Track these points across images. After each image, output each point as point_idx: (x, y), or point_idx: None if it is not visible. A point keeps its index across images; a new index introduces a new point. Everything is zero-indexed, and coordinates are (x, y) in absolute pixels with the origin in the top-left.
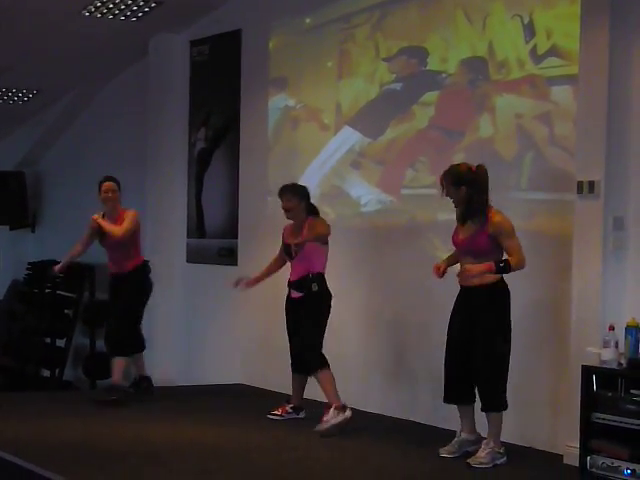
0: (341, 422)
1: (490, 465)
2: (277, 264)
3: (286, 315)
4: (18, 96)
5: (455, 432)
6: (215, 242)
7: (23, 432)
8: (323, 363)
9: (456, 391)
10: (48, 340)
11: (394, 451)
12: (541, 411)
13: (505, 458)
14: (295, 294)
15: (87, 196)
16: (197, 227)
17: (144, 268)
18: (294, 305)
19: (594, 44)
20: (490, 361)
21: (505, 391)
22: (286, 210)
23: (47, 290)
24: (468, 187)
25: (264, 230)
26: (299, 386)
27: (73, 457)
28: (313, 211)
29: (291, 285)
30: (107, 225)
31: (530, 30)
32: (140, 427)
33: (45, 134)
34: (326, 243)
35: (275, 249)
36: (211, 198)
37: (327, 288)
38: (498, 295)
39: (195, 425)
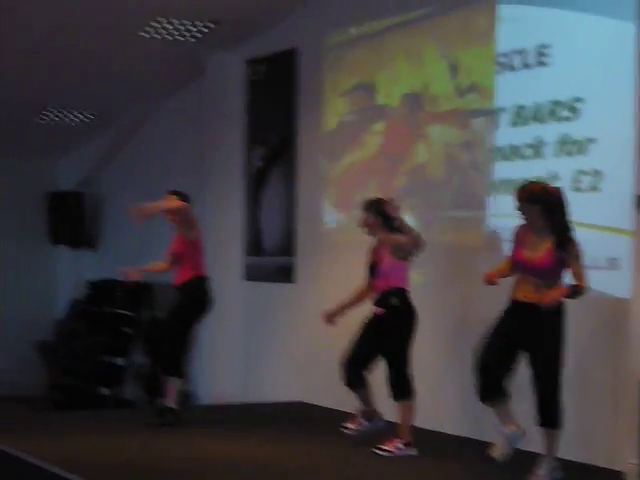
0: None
1: None
2: (362, 294)
3: (363, 326)
4: (76, 116)
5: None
6: (273, 260)
7: (84, 450)
8: (413, 394)
9: (497, 390)
10: (108, 359)
11: (464, 471)
12: (602, 427)
13: (562, 472)
14: (378, 310)
15: None
16: (254, 245)
17: (193, 284)
18: (376, 322)
19: None
20: (551, 380)
21: (562, 408)
22: (362, 227)
23: (107, 309)
24: (542, 207)
25: (322, 247)
26: (365, 396)
27: (131, 475)
28: (399, 230)
29: (375, 302)
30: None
31: (455, 69)
32: (198, 446)
33: (104, 154)
34: (406, 259)
35: (333, 266)
36: (268, 216)
37: (410, 304)
38: (559, 314)
39: (253, 443)
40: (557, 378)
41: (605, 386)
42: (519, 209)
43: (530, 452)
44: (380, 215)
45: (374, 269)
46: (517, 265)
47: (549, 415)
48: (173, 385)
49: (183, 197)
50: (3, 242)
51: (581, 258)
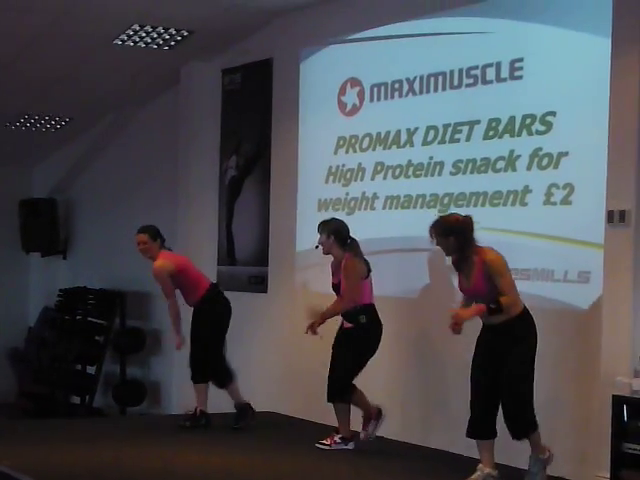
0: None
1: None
2: None
3: (333, 346)
4: (51, 124)
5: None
6: (246, 269)
7: (54, 459)
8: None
9: (481, 427)
10: (79, 367)
11: None
12: (571, 441)
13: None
14: (346, 324)
15: (118, 223)
16: (228, 254)
17: (205, 300)
18: (344, 335)
19: (625, 75)
20: (518, 393)
21: (534, 414)
22: (316, 246)
23: (78, 317)
24: (456, 237)
25: (294, 258)
26: (343, 416)
27: None
28: (351, 245)
29: (343, 315)
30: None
31: None
32: (169, 455)
33: (77, 162)
34: (365, 278)
35: (305, 276)
36: (242, 226)
37: (377, 318)
38: (524, 328)
39: (224, 454)
40: (524, 389)
41: (576, 398)
42: (437, 244)
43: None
44: (333, 234)
45: (337, 288)
46: (464, 295)
47: (519, 428)
48: (202, 390)
49: (154, 232)
50: None
51: (503, 274)
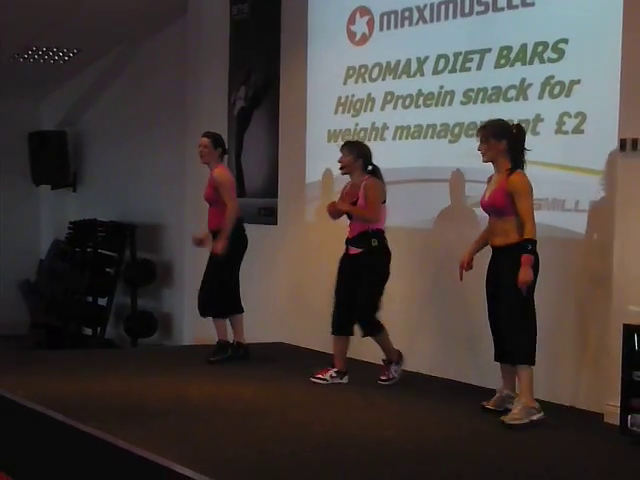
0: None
1: (525, 420)
2: None
3: (338, 274)
4: (59, 55)
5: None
6: (255, 201)
7: (66, 389)
8: (379, 329)
9: (497, 350)
10: (90, 299)
11: (434, 410)
12: (581, 370)
13: (542, 413)
14: (353, 250)
15: (128, 155)
16: (237, 186)
17: (238, 229)
18: (351, 262)
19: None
20: (513, 315)
21: (533, 346)
22: (340, 166)
23: (88, 249)
24: (509, 141)
25: (304, 189)
26: (341, 349)
27: (114, 414)
28: (373, 172)
29: (349, 241)
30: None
31: None
32: (180, 385)
33: (86, 93)
34: (383, 202)
35: (313, 208)
36: (251, 157)
37: (387, 246)
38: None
39: (235, 383)
40: (522, 314)
41: (586, 328)
42: (483, 145)
43: None
44: (362, 158)
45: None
46: (482, 208)
47: (516, 351)
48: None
49: (216, 139)
50: None
51: (524, 195)
